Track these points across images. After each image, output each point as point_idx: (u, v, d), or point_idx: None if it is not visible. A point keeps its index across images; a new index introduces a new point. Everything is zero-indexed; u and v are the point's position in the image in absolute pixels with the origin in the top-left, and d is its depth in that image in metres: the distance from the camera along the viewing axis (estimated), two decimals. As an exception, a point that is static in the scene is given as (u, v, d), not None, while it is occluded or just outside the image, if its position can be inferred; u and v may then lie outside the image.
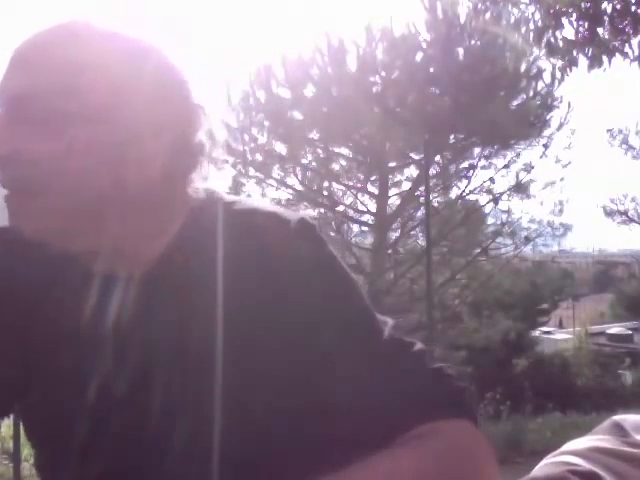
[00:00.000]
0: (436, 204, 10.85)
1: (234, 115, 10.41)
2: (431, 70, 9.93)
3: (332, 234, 10.76)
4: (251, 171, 10.75)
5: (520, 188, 11.04)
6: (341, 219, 11.17)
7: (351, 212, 11.40)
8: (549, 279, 16.62)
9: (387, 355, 0.78)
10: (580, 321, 22.71)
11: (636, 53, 4.36)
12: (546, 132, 10.93)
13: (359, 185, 11.20)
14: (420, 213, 11.15)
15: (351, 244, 11.25)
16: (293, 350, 0.76)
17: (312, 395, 0.76)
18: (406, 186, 11.27)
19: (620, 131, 16.80)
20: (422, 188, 10.32)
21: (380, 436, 0.72)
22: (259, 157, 10.65)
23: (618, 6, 4.34)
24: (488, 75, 9.78)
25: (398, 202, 11.34)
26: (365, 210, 11.35)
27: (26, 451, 5.28)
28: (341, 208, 11.31)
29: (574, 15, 4.38)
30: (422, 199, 10.50)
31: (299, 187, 10.99)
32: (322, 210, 11.21)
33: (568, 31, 4.46)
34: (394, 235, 11.55)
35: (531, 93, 10.60)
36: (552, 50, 4.54)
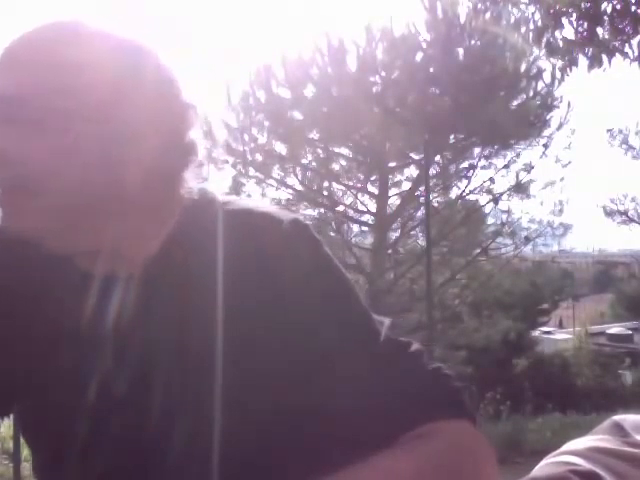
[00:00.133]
0: (436, 204, 10.85)
1: (234, 115, 10.42)
2: (431, 70, 9.93)
3: (332, 234, 10.76)
4: (251, 171, 10.75)
5: (520, 188, 11.03)
6: (341, 219, 11.17)
7: (351, 212, 11.39)
8: (549, 279, 16.62)
9: (386, 356, 0.78)
10: (580, 321, 22.71)
11: (636, 53, 4.36)
12: (546, 132, 10.94)
13: (359, 185, 11.20)
14: (420, 213, 11.15)
15: (351, 244, 11.25)
16: (293, 350, 0.77)
17: (312, 395, 0.76)
18: (406, 186, 11.28)
19: (620, 131, 16.81)
20: (422, 188, 10.32)
21: (380, 436, 0.72)
22: (259, 157, 10.65)
23: (618, 6, 4.34)
24: (488, 75, 9.78)
25: (398, 202, 11.34)
26: (365, 210, 11.35)
27: (26, 451, 5.28)
28: (341, 208, 11.31)
29: (574, 15, 4.38)
30: (422, 199, 10.50)
31: (299, 187, 10.99)
32: (322, 210, 11.21)
33: (568, 31, 4.46)
34: (394, 235, 11.55)
35: (531, 93, 10.60)
36: (552, 50, 4.54)
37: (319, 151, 10.83)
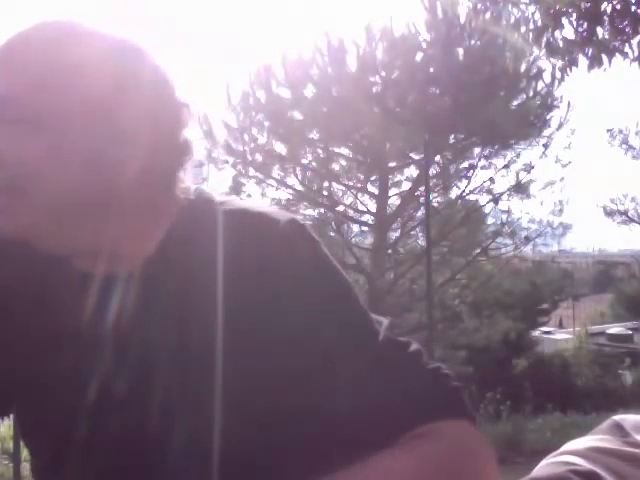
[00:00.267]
0: (436, 204, 10.84)
1: (234, 115, 10.42)
2: (431, 70, 9.93)
3: (332, 234, 10.76)
4: (251, 171, 10.75)
5: (520, 188, 11.03)
6: (341, 219, 11.16)
7: (351, 212, 11.39)
8: (549, 279, 16.60)
9: (385, 356, 0.78)
10: (580, 321, 22.72)
11: (636, 53, 4.35)
12: (546, 132, 10.94)
13: (359, 185, 11.20)
14: (420, 213, 11.15)
15: (351, 244, 11.24)
16: (292, 350, 0.76)
17: (312, 395, 0.76)
18: (406, 186, 11.28)
19: (620, 131, 16.81)
20: (422, 188, 10.32)
21: (380, 436, 0.72)
22: (259, 157, 10.64)
23: (618, 6, 4.34)
24: (488, 75, 9.78)
25: (398, 202, 11.34)
26: (365, 210, 11.35)
27: (26, 451, 5.28)
28: (341, 208, 11.31)
29: (574, 15, 4.38)
30: (422, 199, 10.50)
31: (299, 187, 10.99)
32: (322, 210, 11.21)
33: (568, 31, 4.46)
34: (394, 235, 11.54)
35: (531, 93, 10.59)
36: (552, 50, 4.54)
37: (319, 151, 10.83)
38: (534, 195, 11.21)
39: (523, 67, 10.34)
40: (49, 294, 0.78)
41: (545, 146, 10.93)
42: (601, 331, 20.87)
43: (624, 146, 16.85)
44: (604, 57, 4.39)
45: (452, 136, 10.66)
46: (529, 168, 10.98)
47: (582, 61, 4.49)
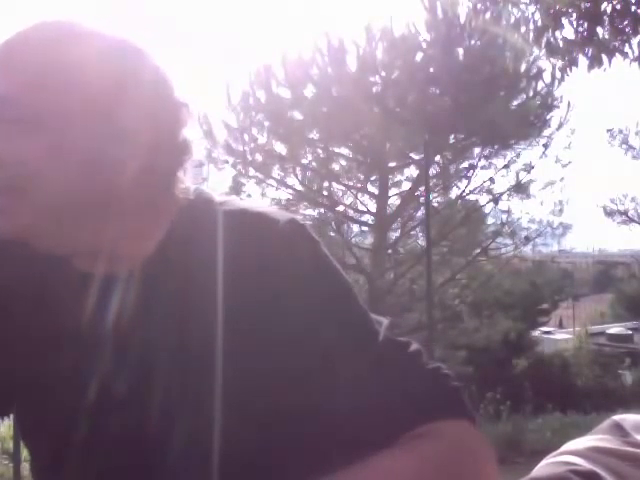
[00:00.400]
0: (436, 204, 10.84)
1: (234, 115, 10.42)
2: (431, 70, 9.93)
3: (332, 234, 10.76)
4: (251, 171, 10.75)
5: (520, 188, 11.03)
6: (341, 219, 11.16)
7: (351, 212, 11.39)
8: (549, 279, 16.60)
9: (385, 356, 0.78)
10: (580, 321, 22.71)
11: (636, 53, 4.35)
12: (546, 132, 10.94)
13: (359, 185, 11.20)
14: (420, 213, 11.15)
15: (351, 244, 11.24)
16: (292, 350, 0.76)
17: (312, 395, 0.76)
18: (406, 186, 11.28)
19: (620, 131, 16.82)
20: (422, 188, 10.32)
21: (380, 436, 0.72)
22: (259, 157, 10.64)
23: (618, 6, 4.34)
24: (488, 75, 9.78)
25: (398, 202, 11.34)
26: (365, 210, 11.35)
27: (26, 451, 5.28)
28: (341, 208, 11.31)
29: (574, 15, 4.38)
30: (422, 199, 10.50)
31: (299, 187, 10.99)
32: (322, 210, 11.21)
33: (568, 31, 4.46)
34: (394, 235, 11.54)
35: (531, 93, 10.59)
36: (552, 50, 4.54)
37: (319, 151, 10.83)
38: (534, 195, 11.23)
39: (523, 67, 10.35)
40: (49, 294, 0.78)
41: (545, 146, 10.95)
42: (601, 331, 20.87)
43: (624, 146, 16.88)
44: (604, 57, 4.39)
45: (452, 136, 10.66)
46: (529, 168, 10.99)
47: (582, 61, 4.49)
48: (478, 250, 11.61)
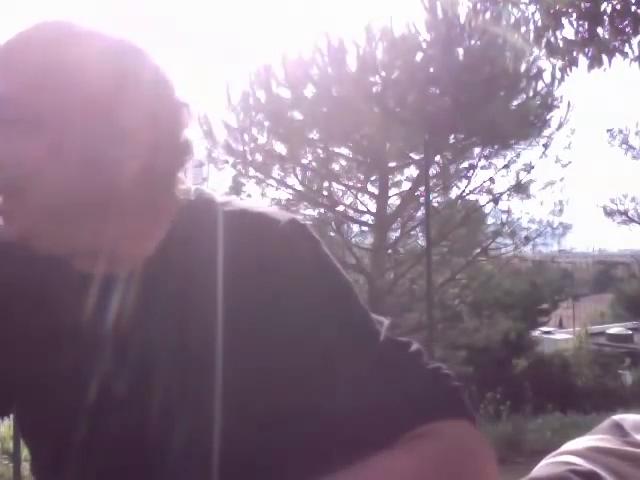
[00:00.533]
0: (436, 204, 10.84)
1: (234, 115, 10.42)
2: (431, 70, 9.93)
3: (332, 234, 10.76)
4: (251, 171, 10.75)
5: (520, 188, 11.03)
6: (341, 219, 11.16)
7: (351, 212, 11.39)
8: (549, 279, 16.60)
9: (386, 356, 0.78)
10: (580, 321, 22.72)
11: (636, 53, 4.36)
12: (546, 132, 10.94)
13: (359, 185, 11.20)
14: (420, 213, 11.15)
15: (351, 244, 11.24)
16: (292, 350, 0.76)
17: (312, 395, 0.76)
18: (406, 186, 11.28)
19: (620, 131, 16.82)
20: (422, 188, 10.32)
21: (380, 436, 0.72)
22: (259, 157, 10.65)
23: (618, 6, 4.34)
24: (488, 75, 9.77)
25: (398, 202, 11.34)
26: (365, 210, 11.35)
27: (26, 451, 5.28)
28: (341, 208, 11.31)
29: (574, 15, 4.38)
30: (422, 199, 10.50)
31: (299, 187, 10.99)
32: (322, 210, 11.21)
33: (568, 31, 4.46)
34: (394, 235, 11.54)
35: (531, 93, 10.59)
36: (552, 50, 4.54)
37: (319, 151, 10.83)
38: (534, 195, 11.23)
39: (523, 67, 10.34)
40: (49, 294, 0.78)
41: (545, 146, 10.94)
42: (601, 331, 20.87)
43: (624, 146, 16.88)
44: (604, 57, 4.39)
45: (452, 136, 10.66)
46: (529, 168, 10.99)
47: (582, 61, 4.50)
48: (478, 250, 11.61)
